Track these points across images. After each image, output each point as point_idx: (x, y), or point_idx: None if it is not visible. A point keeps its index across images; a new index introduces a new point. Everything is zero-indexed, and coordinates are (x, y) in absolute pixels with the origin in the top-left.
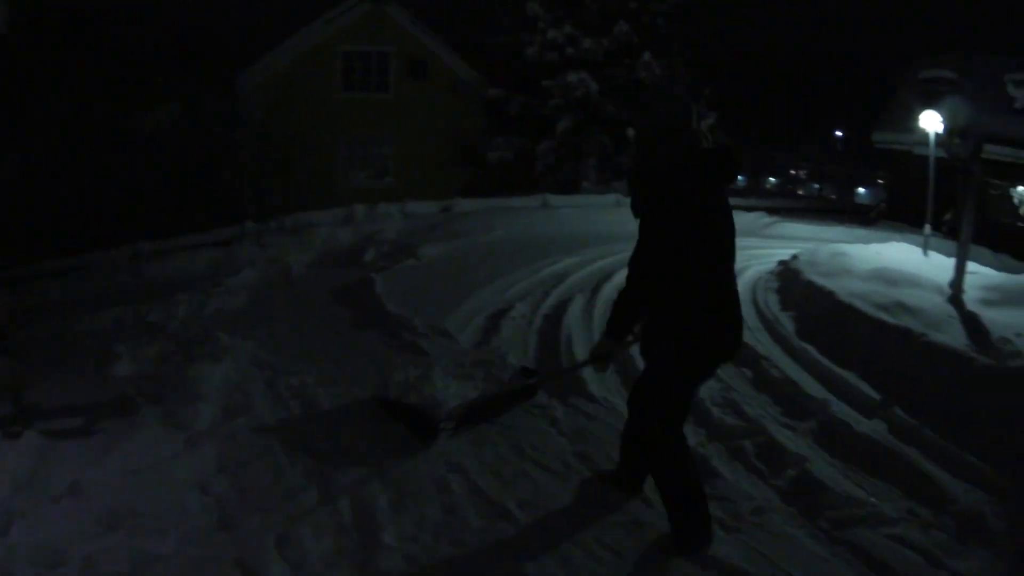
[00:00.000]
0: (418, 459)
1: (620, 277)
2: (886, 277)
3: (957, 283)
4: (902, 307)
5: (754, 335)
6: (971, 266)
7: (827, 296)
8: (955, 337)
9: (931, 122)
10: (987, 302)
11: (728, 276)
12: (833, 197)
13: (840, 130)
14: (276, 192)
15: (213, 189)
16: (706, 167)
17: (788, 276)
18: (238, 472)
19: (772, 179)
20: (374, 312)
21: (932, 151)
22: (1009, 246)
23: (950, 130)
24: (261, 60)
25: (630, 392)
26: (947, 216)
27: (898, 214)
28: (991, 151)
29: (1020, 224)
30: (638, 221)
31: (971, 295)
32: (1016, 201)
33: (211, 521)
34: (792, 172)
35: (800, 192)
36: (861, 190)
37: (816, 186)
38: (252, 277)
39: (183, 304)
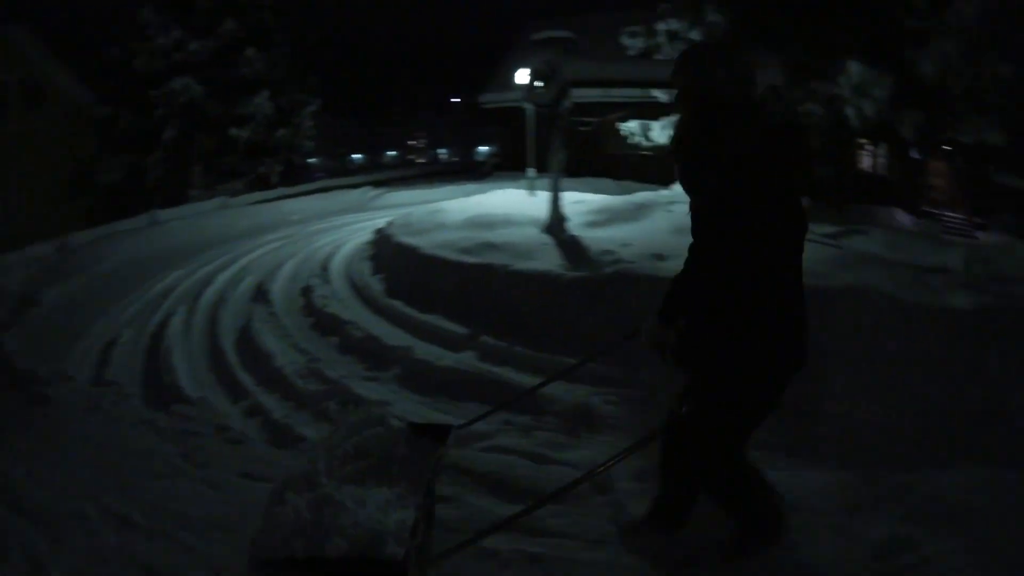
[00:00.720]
0: None
1: (222, 280)
2: (481, 223)
3: (553, 214)
4: (489, 246)
5: (343, 303)
6: (584, 196)
7: (412, 252)
8: (548, 262)
9: (525, 77)
10: (594, 224)
11: (800, 275)
12: (455, 159)
13: (458, 96)
14: None
15: None
16: (783, 149)
17: (381, 242)
18: None
19: (390, 152)
20: (4, 371)
21: (528, 103)
22: (629, 172)
23: (532, 81)
24: None
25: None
26: (562, 156)
27: (512, 164)
28: (612, 94)
29: (641, 152)
30: (694, 205)
31: (578, 221)
32: (626, 133)
33: None
34: (410, 142)
35: (421, 160)
36: (484, 148)
37: (443, 151)
38: None
39: None
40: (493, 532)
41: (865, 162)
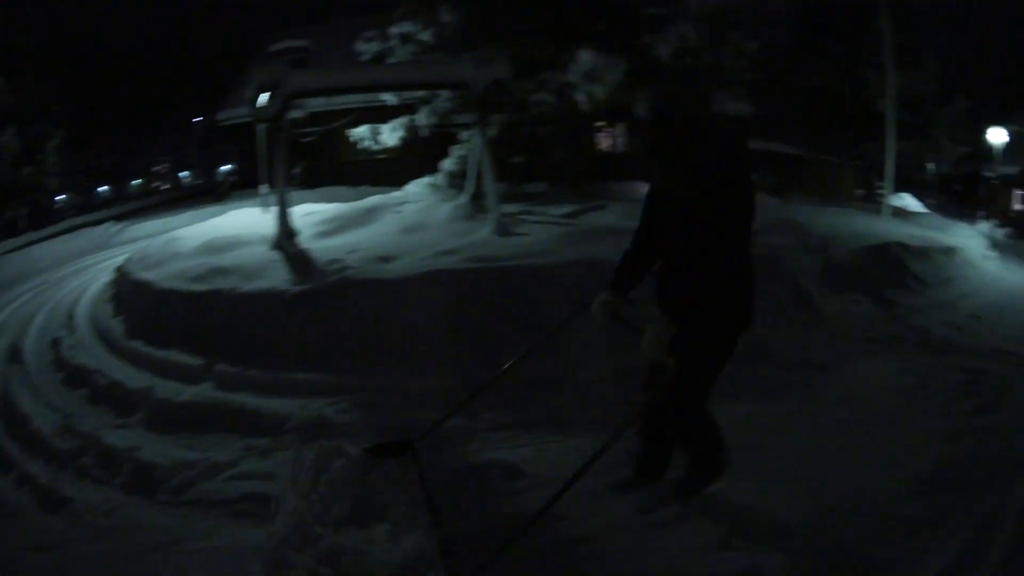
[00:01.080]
0: None
1: None
2: (213, 248)
3: (281, 230)
4: (219, 271)
5: (88, 352)
6: (316, 207)
7: (146, 287)
8: (274, 279)
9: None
10: (324, 234)
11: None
12: (199, 182)
13: (201, 116)
14: None
15: None
16: (741, 151)
17: (120, 280)
18: None
19: (136, 181)
20: None
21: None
22: (365, 177)
23: (256, 95)
24: None
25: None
26: (296, 170)
27: (251, 182)
28: (344, 101)
29: (375, 156)
30: (680, 200)
31: (308, 233)
32: (356, 139)
33: None
34: (155, 168)
35: (165, 186)
36: (227, 167)
37: (186, 174)
38: None
39: None
40: (516, 538)
41: (605, 143)
